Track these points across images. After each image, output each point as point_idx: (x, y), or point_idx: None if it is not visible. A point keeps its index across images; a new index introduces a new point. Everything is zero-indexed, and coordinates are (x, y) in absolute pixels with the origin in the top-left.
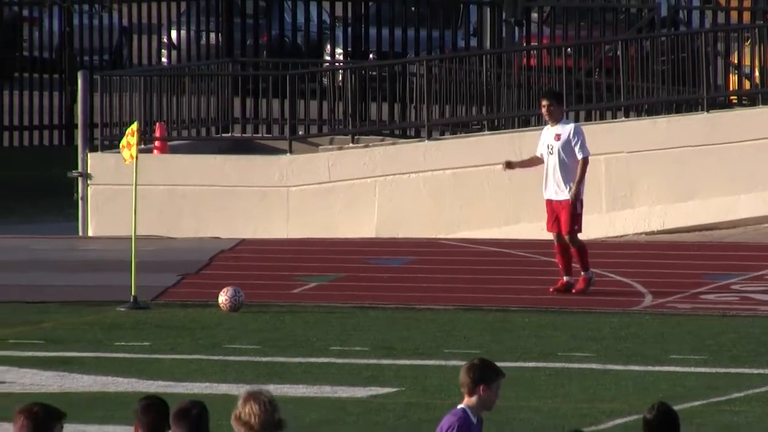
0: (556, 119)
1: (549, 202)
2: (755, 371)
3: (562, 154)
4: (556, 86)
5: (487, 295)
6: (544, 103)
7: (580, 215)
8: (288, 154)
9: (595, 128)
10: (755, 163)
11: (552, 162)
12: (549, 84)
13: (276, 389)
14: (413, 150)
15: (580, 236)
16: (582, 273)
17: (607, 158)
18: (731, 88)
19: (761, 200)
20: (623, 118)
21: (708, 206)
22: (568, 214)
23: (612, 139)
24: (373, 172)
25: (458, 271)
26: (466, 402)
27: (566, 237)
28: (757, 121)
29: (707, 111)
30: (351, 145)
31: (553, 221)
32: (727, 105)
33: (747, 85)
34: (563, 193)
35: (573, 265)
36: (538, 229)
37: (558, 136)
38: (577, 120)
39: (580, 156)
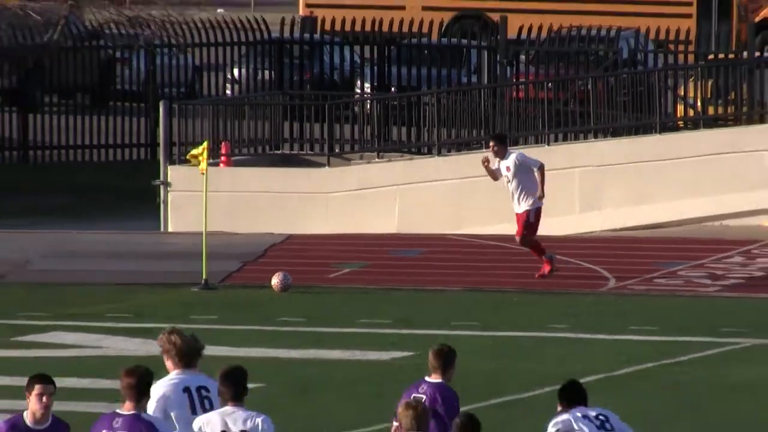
0: (502, 155)
1: (516, 215)
2: (697, 339)
3: (515, 180)
4: (540, 113)
5: (487, 279)
6: (491, 144)
7: (534, 224)
8: (326, 167)
9: (571, 147)
10: (697, 174)
11: (511, 187)
12: (534, 112)
13: (316, 353)
14: (426, 164)
15: (545, 232)
16: (543, 258)
17: (581, 171)
18: (679, 115)
19: (701, 204)
20: (593, 139)
21: (660, 209)
22: (522, 224)
23: (584, 156)
24: (394, 181)
25: (463, 260)
26: (435, 378)
27: (518, 239)
28: (699, 141)
29: (660, 133)
30: (377, 160)
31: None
32: (675, 128)
33: (691, 112)
34: (520, 208)
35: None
36: None
37: (508, 168)
38: (556, 140)
39: (536, 167)
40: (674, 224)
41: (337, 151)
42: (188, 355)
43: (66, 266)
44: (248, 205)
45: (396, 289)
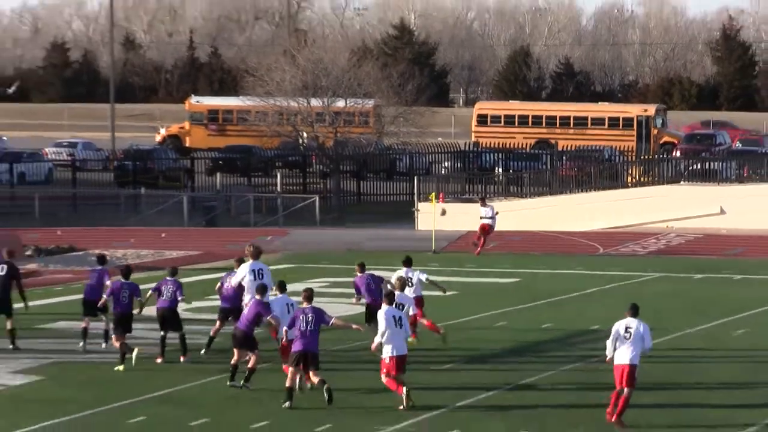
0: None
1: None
2: (637, 273)
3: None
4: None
5: (541, 248)
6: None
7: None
8: None
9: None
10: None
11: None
12: None
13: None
14: None
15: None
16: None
17: (589, 205)
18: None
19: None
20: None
21: (626, 219)
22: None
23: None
24: None
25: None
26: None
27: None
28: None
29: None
30: None
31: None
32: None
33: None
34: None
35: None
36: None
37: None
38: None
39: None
40: (636, 226)
41: None
42: (255, 254)
43: (375, 245)
44: (452, 217)
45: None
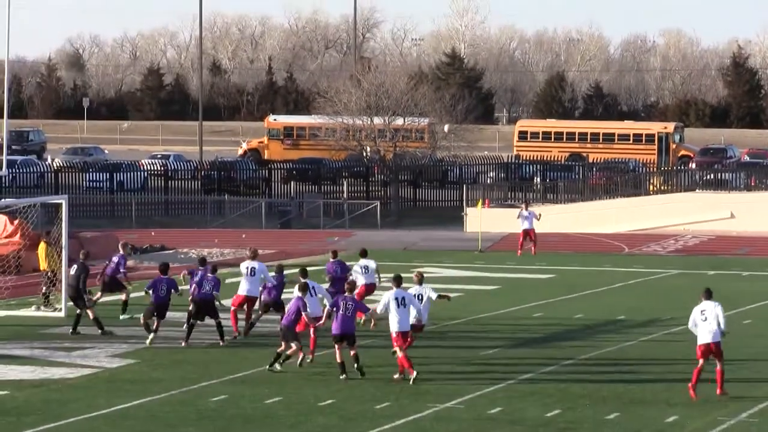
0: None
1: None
2: (655, 269)
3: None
4: None
5: (574, 248)
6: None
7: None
8: None
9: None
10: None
11: (524, 226)
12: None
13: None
14: None
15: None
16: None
17: (616, 210)
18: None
19: (667, 221)
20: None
21: (646, 223)
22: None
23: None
24: None
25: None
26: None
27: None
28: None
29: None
30: None
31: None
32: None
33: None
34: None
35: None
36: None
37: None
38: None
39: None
40: (649, 232)
41: None
42: (252, 256)
43: (428, 244)
44: (495, 221)
45: None
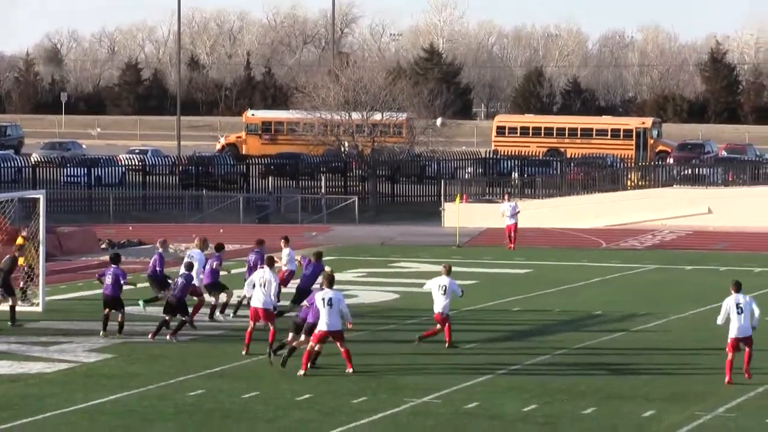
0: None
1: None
2: (636, 265)
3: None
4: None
5: (551, 243)
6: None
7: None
8: None
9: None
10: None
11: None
12: None
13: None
14: None
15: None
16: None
17: (593, 205)
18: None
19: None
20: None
21: (622, 218)
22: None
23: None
24: None
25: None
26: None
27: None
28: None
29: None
30: None
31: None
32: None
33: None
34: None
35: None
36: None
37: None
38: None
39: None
40: (634, 224)
41: None
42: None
43: (406, 239)
44: (473, 216)
45: None
